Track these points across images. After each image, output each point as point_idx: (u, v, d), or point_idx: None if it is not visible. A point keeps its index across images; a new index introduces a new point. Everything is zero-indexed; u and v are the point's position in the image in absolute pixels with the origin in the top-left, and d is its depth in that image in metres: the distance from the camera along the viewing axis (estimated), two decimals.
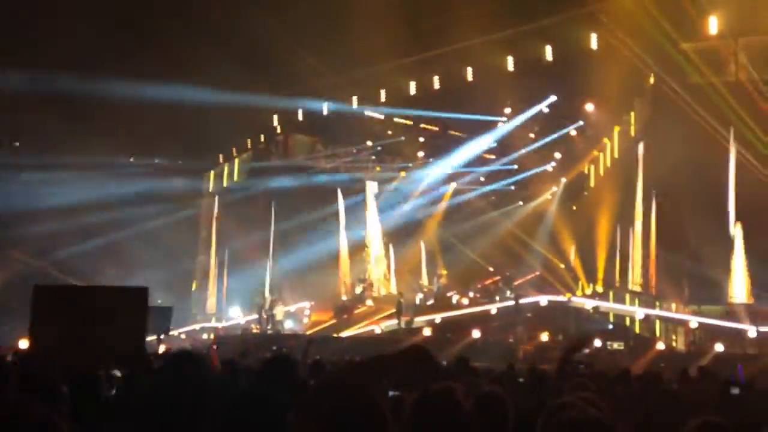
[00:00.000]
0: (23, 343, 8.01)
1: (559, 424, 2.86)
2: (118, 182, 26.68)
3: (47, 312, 5.25)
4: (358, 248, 30.42)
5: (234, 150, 31.00)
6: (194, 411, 2.27)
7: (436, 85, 25.12)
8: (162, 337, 14.40)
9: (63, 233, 25.28)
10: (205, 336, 27.53)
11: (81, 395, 3.07)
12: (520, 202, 31.54)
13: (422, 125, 28.97)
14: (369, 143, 29.61)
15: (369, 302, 28.10)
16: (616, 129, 27.42)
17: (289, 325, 27.22)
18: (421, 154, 30.71)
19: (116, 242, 26.96)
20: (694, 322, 20.70)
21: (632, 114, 26.33)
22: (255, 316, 27.62)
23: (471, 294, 28.46)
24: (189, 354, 2.69)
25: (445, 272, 29.83)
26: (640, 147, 25.42)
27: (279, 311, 26.54)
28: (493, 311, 25.50)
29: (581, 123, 27.91)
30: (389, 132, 29.15)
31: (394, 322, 25.17)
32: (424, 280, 29.93)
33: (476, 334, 21.80)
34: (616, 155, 27.89)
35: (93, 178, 25.84)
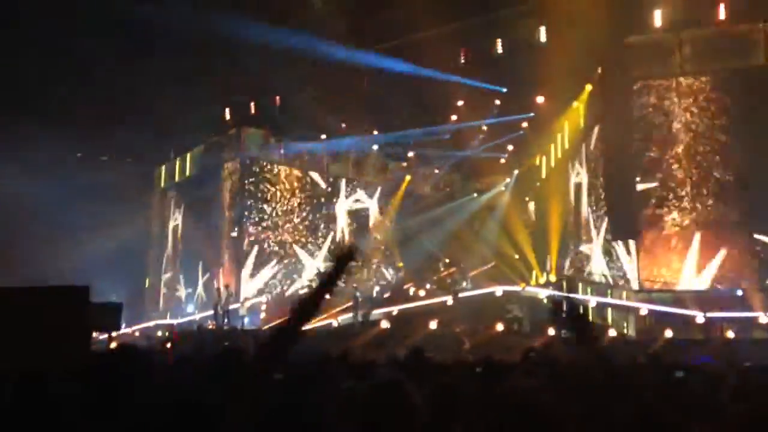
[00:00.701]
0: None
1: (506, 410, 2.90)
2: (65, 179, 25.74)
3: None
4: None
5: (185, 144, 30.52)
6: (125, 409, 2.24)
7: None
8: (113, 334, 14.12)
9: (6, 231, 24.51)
10: (159, 333, 27.14)
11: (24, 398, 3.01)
12: (474, 194, 31.75)
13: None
14: (323, 136, 29.50)
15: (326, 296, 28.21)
16: (566, 121, 27.82)
17: (247, 321, 26.98)
18: (375, 147, 30.71)
19: (65, 240, 26.25)
20: (644, 309, 21.18)
21: (581, 107, 26.73)
22: (211, 312, 27.28)
23: (428, 286, 28.66)
24: (130, 350, 2.65)
25: (401, 264, 29.98)
26: (590, 137, 25.85)
27: (244, 308, 26.29)
28: (450, 302, 25.73)
29: (532, 115, 28.26)
30: (343, 125, 29.08)
31: (351, 315, 25.11)
32: (383, 273, 29.98)
33: (433, 325, 21.81)
34: (566, 146, 28.32)
35: (37, 173, 24.84)
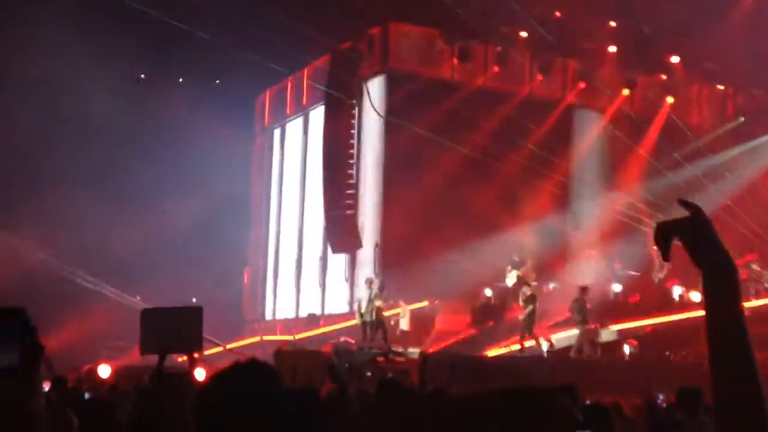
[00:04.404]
0: None
1: None
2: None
3: None
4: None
5: None
6: None
7: None
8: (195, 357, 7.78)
9: None
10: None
11: None
12: None
13: None
14: (523, 34, 18.48)
15: None
16: None
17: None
18: (612, 48, 19.53)
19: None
20: None
21: None
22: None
23: None
24: None
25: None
26: None
27: (405, 313, 18.74)
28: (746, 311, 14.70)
29: None
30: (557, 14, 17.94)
31: (572, 332, 16.62)
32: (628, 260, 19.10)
33: None
34: None
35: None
